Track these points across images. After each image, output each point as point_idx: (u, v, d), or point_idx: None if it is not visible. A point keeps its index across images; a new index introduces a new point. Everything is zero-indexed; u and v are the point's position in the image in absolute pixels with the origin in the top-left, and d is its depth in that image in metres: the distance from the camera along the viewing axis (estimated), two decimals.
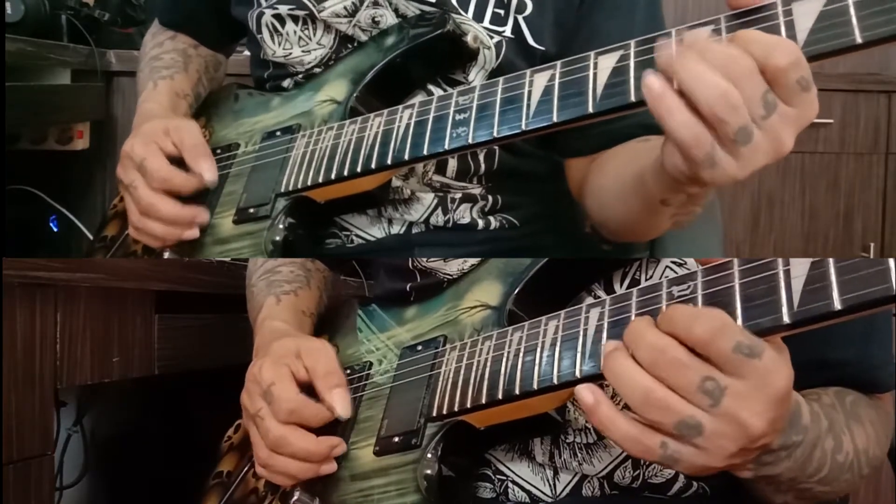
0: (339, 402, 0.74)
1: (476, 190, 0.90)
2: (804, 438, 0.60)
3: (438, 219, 0.89)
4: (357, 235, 0.90)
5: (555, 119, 0.67)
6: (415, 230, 0.89)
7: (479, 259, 0.79)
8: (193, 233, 0.85)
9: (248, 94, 0.97)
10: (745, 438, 0.53)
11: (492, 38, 0.85)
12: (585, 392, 0.56)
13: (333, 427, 0.75)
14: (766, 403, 0.52)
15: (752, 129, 0.55)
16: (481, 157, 0.89)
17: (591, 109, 0.65)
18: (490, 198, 0.90)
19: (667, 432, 0.53)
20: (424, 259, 0.83)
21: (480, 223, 0.90)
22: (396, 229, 0.89)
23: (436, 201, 0.89)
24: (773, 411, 0.53)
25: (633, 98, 0.63)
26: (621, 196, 0.79)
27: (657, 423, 0.53)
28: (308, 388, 0.75)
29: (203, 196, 0.87)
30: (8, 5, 1.51)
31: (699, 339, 0.52)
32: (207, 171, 0.86)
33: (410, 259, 0.84)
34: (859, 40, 0.56)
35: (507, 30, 0.86)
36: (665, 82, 0.57)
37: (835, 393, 0.70)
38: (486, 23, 0.85)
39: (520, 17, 0.86)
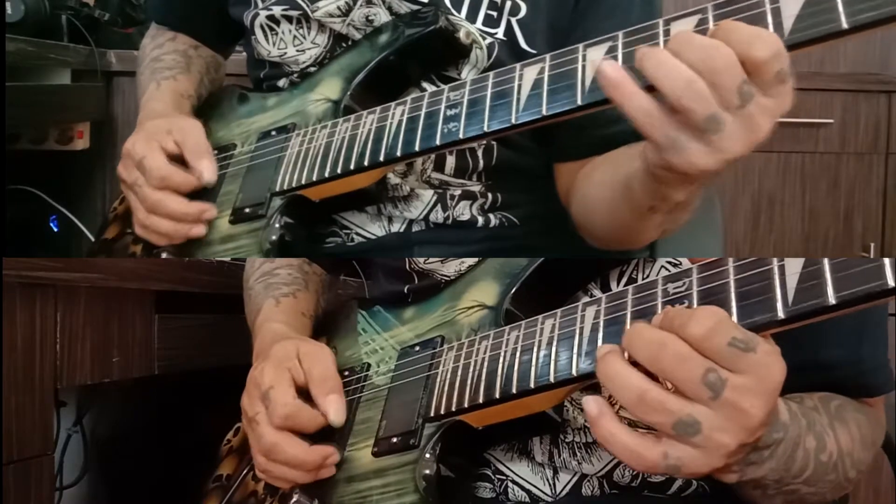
0: (333, 409, 0.74)
1: (475, 187, 0.90)
2: (784, 436, 0.60)
3: (438, 216, 0.89)
4: (357, 233, 0.90)
5: (544, 112, 0.67)
6: (415, 228, 0.89)
7: (476, 260, 0.79)
8: (200, 230, 0.86)
9: (246, 95, 0.97)
10: (744, 431, 0.53)
11: (484, 38, 0.85)
12: (591, 403, 0.55)
13: (330, 431, 0.75)
14: (764, 396, 0.52)
15: (721, 118, 0.56)
16: (479, 153, 0.89)
17: (580, 102, 0.65)
18: (489, 195, 0.90)
19: (665, 433, 0.53)
20: (422, 260, 0.83)
21: (480, 220, 0.90)
22: (396, 227, 0.89)
23: (435, 198, 0.89)
24: (769, 404, 0.53)
25: None
26: (609, 202, 0.79)
27: (655, 423, 0.53)
28: (307, 392, 0.75)
29: (202, 196, 0.87)
30: (8, 5, 1.51)
31: (695, 335, 0.52)
32: (206, 170, 0.87)
33: (408, 261, 0.84)
34: (845, 25, 0.56)
35: (500, 32, 0.86)
36: (619, 67, 0.58)
37: (819, 397, 0.70)
38: (479, 24, 0.86)
39: (513, 20, 0.86)
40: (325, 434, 0.74)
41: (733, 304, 0.54)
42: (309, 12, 0.89)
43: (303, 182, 0.81)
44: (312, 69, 0.92)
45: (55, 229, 1.66)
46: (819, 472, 0.64)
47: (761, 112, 0.56)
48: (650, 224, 0.74)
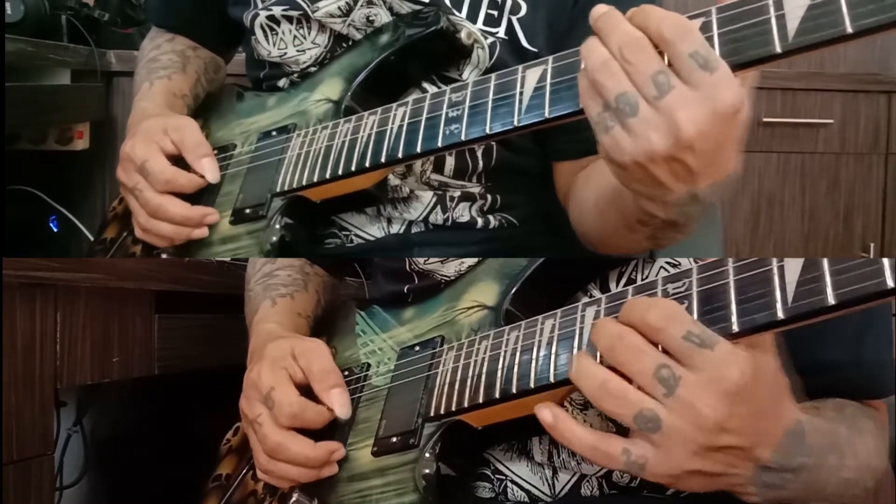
0: (338, 403, 0.74)
1: (475, 189, 0.90)
2: (810, 460, 0.59)
3: (437, 217, 0.89)
4: (356, 235, 0.90)
5: (546, 115, 0.66)
6: (414, 229, 0.89)
7: (476, 260, 0.79)
8: (202, 232, 0.85)
9: (246, 95, 0.97)
10: (701, 433, 0.53)
11: (486, 38, 0.85)
12: (544, 411, 0.58)
13: (333, 427, 0.75)
14: (719, 396, 0.53)
15: (635, 100, 0.56)
16: (479, 154, 0.89)
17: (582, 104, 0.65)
18: (489, 196, 0.90)
19: (628, 427, 0.54)
20: (422, 261, 0.83)
21: (480, 222, 0.90)
22: (396, 228, 0.89)
23: (434, 199, 0.89)
24: (728, 406, 0.53)
25: None
26: (601, 208, 0.79)
27: (617, 415, 0.54)
28: (307, 390, 0.75)
29: (203, 195, 0.87)
30: (8, 5, 1.51)
31: (652, 325, 0.53)
32: (209, 171, 0.87)
33: (408, 262, 0.84)
34: (850, 30, 0.55)
35: (501, 31, 0.86)
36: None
37: (834, 406, 0.69)
38: (480, 24, 0.85)
39: (514, 19, 0.86)
40: (325, 433, 0.74)
41: (733, 304, 0.54)
42: (309, 13, 0.89)
43: (304, 183, 0.81)
44: (313, 69, 0.91)
45: (55, 229, 1.66)
46: (840, 488, 0.64)
47: (682, 104, 0.55)
48: (640, 235, 0.74)
